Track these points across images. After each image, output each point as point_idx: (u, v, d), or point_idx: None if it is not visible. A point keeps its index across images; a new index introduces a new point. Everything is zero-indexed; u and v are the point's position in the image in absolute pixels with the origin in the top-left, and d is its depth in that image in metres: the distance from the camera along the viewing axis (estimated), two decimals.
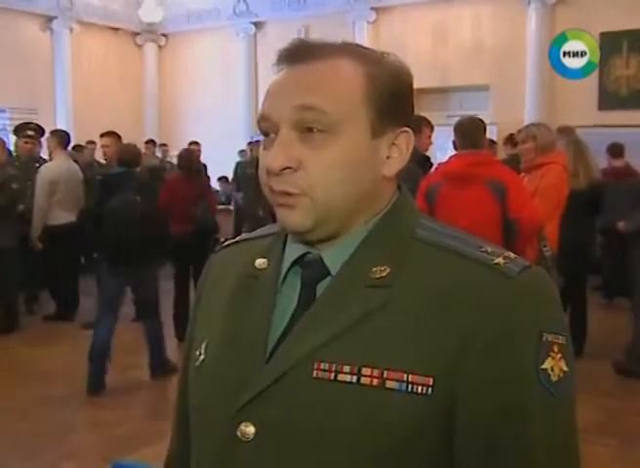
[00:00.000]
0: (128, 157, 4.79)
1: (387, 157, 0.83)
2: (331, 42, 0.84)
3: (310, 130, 0.79)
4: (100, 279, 5.31)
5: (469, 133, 3.57)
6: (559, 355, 0.76)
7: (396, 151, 0.84)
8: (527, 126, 4.60)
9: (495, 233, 3.32)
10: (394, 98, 0.82)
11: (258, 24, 12.20)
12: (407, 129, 0.84)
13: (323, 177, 0.79)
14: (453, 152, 3.86)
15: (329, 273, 0.83)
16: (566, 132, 4.87)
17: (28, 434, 3.84)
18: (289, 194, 0.79)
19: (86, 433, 3.86)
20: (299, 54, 0.82)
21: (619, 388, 4.54)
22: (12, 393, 4.46)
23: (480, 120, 3.74)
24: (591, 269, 5.46)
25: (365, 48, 0.86)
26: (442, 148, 7.43)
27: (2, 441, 3.79)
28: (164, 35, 13.39)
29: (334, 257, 0.83)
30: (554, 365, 0.75)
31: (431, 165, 4.46)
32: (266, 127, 0.82)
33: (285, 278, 0.86)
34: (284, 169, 0.79)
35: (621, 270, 5.23)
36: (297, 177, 0.79)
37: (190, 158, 5.96)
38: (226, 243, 1.01)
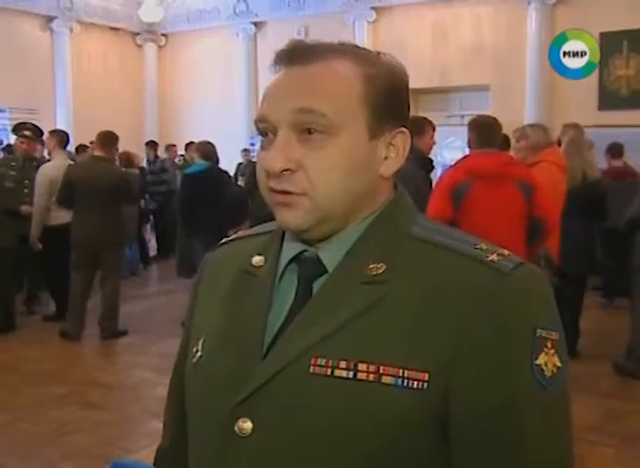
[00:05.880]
0: (209, 153, 5.67)
1: (385, 157, 0.84)
2: (328, 43, 0.85)
3: (309, 131, 0.79)
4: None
5: (488, 131, 3.61)
6: (552, 350, 0.77)
7: (393, 151, 0.85)
8: (523, 126, 4.70)
9: (521, 230, 3.44)
10: (391, 99, 0.83)
11: (258, 24, 12.22)
12: (404, 129, 0.85)
13: (322, 178, 0.79)
14: (457, 151, 3.86)
15: (325, 271, 0.84)
16: (568, 129, 4.93)
17: (28, 434, 3.83)
18: (289, 193, 0.80)
19: (86, 433, 3.85)
20: (296, 55, 0.82)
21: (619, 388, 4.53)
22: (11, 393, 4.45)
23: (494, 119, 3.76)
24: (591, 269, 5.44)
25: (362, 48, 0.86)
26: (441, 148, 7.44)
27: (2, 441, 3.79)
28: (164, 35, 13.40)
29: (330, 255, 0.84)
30: (548, 360, 0.76)
31: (433, 166, 4.46)
32: (264, 128, 0.83)
33: (282, 275, 0.87)
34: (284, 170, 0.79)
35: (622, 270, 5.22)
36: (296, 178, 0.80)
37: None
38: (223, 240, 1.02)
